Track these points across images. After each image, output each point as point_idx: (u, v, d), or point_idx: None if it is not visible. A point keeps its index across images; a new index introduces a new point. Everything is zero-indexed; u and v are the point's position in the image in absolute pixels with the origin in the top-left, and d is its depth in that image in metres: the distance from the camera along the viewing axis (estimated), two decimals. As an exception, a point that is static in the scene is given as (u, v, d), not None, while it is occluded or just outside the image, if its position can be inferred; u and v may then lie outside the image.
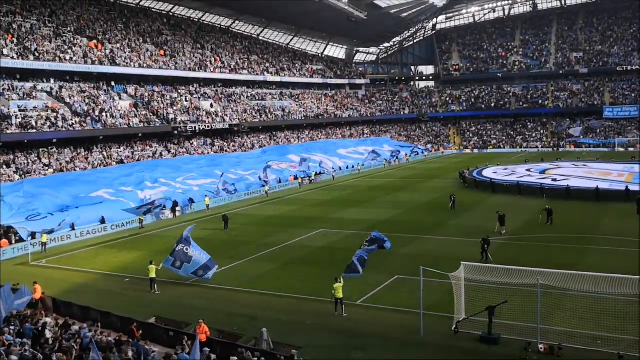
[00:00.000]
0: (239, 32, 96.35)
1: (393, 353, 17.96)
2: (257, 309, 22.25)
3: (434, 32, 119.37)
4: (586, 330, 17.85)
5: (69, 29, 61.90)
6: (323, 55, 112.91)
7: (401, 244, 31.54)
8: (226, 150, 68.03)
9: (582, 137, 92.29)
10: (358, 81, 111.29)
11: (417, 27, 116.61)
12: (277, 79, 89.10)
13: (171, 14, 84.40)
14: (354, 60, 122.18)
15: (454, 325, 19.14)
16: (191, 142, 65.16)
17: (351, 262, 22.61)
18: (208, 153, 64.68)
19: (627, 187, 43.71)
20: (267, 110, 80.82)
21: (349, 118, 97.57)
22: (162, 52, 70.44)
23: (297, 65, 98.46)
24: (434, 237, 33.54)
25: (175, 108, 65.37)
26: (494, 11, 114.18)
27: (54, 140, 50.46)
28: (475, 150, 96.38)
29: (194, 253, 25.67)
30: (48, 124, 49.71)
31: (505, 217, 33.46)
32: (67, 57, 56.67)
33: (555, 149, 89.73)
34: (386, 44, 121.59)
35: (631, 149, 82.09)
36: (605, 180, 49.38)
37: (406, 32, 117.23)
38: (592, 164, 64.81)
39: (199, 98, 72.18)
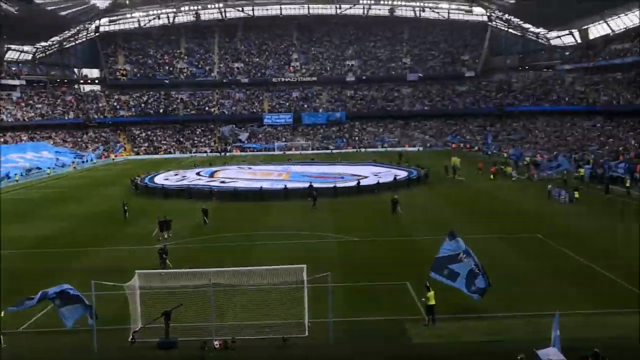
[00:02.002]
0: None
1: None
2: None
3: (97, 34, 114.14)
4: (255, 321, 19.32)
5: None
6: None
7: (72, 259, 29.39)
8: None
9: (248, 141, 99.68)
10: (11, 82, 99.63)
11: (78, 28, 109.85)
12: None
13: None
14: (5, 59, 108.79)
15: (131, 335, 18.65)
16: None
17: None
18: None
19: (285, 185, 49.02)
20: None
21: (2, 123, 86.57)
22: None
23: None
24: (107, 248, 31.98)
25: None
26: (159, 18, 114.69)
27: None
28: (145, 156, 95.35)
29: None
30: None
31: (172, 221, 33.90)
32: None
33: (223, 153, 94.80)
34: (44, 43, 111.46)
35: (338, 151, 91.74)
36: (267, 180, 54.36)
37: (67, 32, 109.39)
38: (256, 166, 70.71)
39: None
